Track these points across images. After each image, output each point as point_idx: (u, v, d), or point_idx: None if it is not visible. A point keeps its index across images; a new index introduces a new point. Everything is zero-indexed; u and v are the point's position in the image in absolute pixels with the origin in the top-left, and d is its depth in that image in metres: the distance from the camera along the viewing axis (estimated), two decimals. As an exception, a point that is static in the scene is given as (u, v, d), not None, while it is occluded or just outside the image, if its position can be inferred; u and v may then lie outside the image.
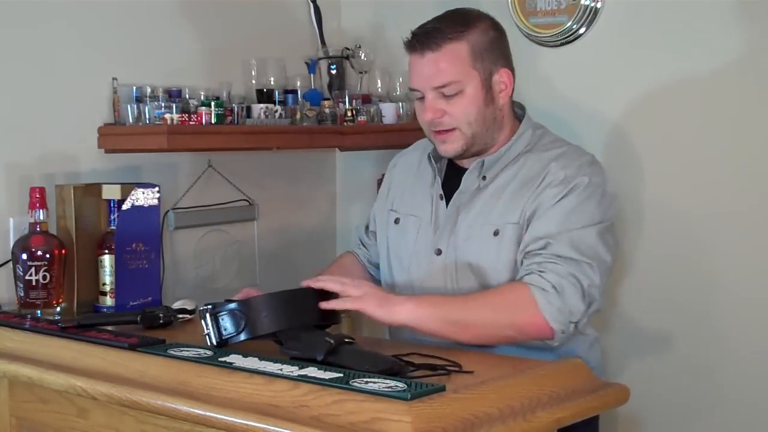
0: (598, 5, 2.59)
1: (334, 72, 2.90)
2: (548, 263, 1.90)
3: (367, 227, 2.37)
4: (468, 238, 2.05)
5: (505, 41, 2.09)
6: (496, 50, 2.05)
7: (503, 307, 1.90)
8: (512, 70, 2.08)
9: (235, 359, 1.71)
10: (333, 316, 1.87)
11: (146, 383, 1.72)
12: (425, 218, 2.14)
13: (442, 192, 2.13)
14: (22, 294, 2.20)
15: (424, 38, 2.01)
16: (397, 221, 2.22)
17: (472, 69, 2.01)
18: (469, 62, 2.01)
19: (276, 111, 2.59)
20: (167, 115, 2.38)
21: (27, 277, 2.19)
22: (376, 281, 2.33)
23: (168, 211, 2.63)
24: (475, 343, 1.92)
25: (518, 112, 2.15)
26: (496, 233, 2.02)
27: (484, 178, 2.08)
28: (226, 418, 1.56)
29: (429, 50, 2.00)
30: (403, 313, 1.86)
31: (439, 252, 2.09)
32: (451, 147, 2.06)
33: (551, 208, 1.97)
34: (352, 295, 1.88)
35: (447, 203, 2.11)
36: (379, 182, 2.41)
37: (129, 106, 2.43)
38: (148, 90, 2.50)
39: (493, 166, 2.08)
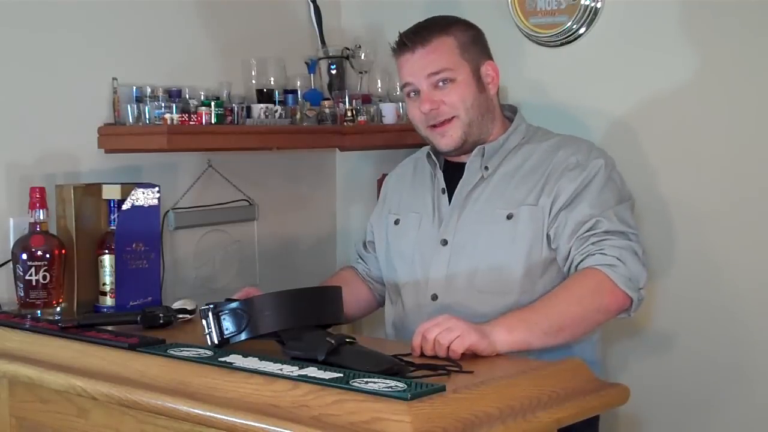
0: (598, 5, 2.59)
1: (334, 72, 2.90)
2: (602, 241, 1.95)
3: (364, 242, 2.37)
4: (477, 224, 2.07)
5: (484, 38, 2.16)
6: (479, 44, 2.13)
7: (587, 296, 1.91)
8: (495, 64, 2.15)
9: (235, 359, 1.70)
10: (336, 315, 1.87)
11: (146, 383, 1.72)
12: (426, 212, 2.16)
13: (444, 185, 2.14)
14: (22, 294, 2.20)
15: (412, 36, 2.09)
16: (396, 222, 2.23)
17: (461, 59, 2.08)
18: (458, 53, 2.08)
19: (276, 111, 2.59)
20: (167, 115, 2.38)
21: (27, 277, 2.19)
22: (378, 295, 2.32)
23: (168, 211, 2.63)
24: (570, 340, 1.91)
25: (508, 115, 2.20)
26: (509, 217, 2.04)
27: (486, 168, 2.09)
28: (226, 418, 1.56)
29: (419, 45, 2.07)
30: (499, 343, 1.78)
31: (444, 242, 2.10)
32: (450, 139, 2.09)
33: (582, 193, 2.00)
34: (432, 336, 1.74)
35: (449, 197, 2.12)
36: (380, 182, 2.41)
37: (129, 106, 2.44)
38: (148, 90, 2.49)
39: (493, 157, 2.11)
